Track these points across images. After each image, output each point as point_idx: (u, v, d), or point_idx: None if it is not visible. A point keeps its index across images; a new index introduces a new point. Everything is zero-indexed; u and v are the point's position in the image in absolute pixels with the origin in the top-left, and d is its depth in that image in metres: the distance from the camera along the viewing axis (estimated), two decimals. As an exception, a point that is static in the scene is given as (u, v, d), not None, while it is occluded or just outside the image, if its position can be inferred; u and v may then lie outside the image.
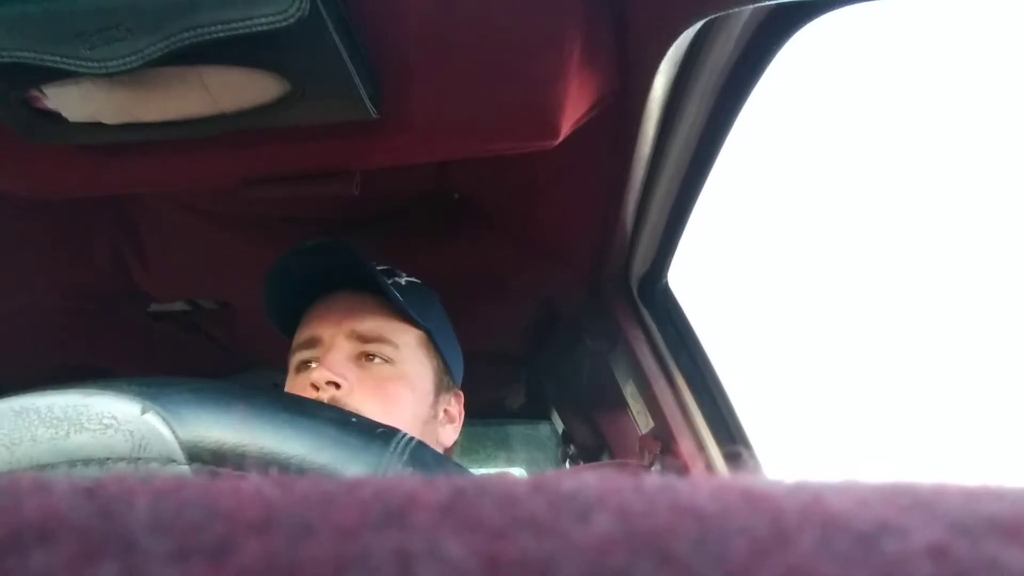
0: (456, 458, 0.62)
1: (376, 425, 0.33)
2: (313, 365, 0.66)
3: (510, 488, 0.11)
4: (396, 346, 0.68)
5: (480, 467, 2.05)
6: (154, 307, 1.14)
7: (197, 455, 0.29)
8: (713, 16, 0.47)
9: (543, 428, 1.98)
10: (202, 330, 1.25)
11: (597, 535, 0.10)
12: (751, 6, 0.46)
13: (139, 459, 0.29)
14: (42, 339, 1.14)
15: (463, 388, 0.78)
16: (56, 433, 0.29)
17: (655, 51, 0.51)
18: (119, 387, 0.30)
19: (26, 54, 0.42)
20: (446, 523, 0.10)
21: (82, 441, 0.29)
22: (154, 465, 0.29)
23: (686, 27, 0.47)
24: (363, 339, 0.67)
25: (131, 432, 0.29)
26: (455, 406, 0.75)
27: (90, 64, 0.42)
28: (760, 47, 0.55)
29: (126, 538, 0.09)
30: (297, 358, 0.68)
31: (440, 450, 0.69)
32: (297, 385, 0.66)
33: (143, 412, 0.29)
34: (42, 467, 0.28)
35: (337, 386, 0.63)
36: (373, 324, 0.68)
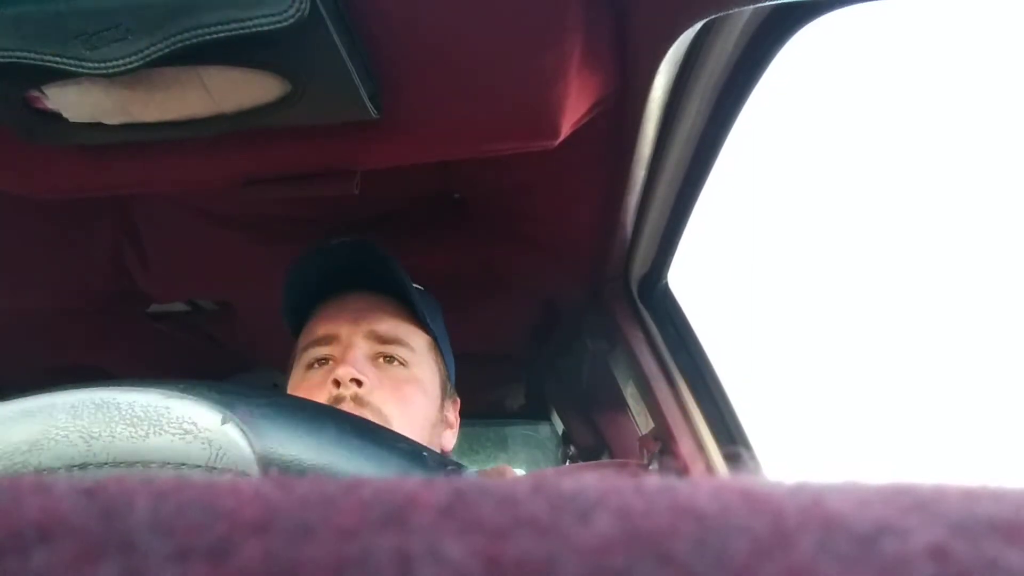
0: (455, 458, 0.62)
1: (447, 462, 0.33)
2: (329, 362, 0.66)
3: (510, 488, 0.11)
4: (412, 349, 0.69)
5: (480, 468, 2.05)
6: (154, 307, 1.14)
7: (271, 470, 0.29)
8: (713, 16, 0.47)
9: (543, 428, 1.98)
10: (202, 330, 1.25)
11: (597, 535, 0.10)
12: (751, 6, 0.46)
13: (214, 468, 0.28)
14: (42, 339, 1.14)
15: (463, 387, 0.79)
16: (135, 432, 0.28)
17: (655, 51, 0.51)
18: (200, 392, 0.30)
19: (26, 54, 0.42)
20: (446, 524, 0.10)
21: (160, 444, 0.28)
22: (228, 476, 0.29)
23: (686, 27, 0.47)
24: (381, 340, 0.68)
25: (209, 441, 0.29)
26: (453, 412, 0.76)
27: (90, 64, 0.42)
28: (760, 47, 0.55)
29: (126, 538, 0.09)
30: (311, 354, 0.68)
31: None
32: (313, 381, 0.66)
33: (223, 422, 0.29)
34: (117, 464, 0.28)
35: (359, 384, 0.63)
36: (391, 325, 0.68)
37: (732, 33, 0.53)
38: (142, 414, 0.29)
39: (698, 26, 0.48)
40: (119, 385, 0.30)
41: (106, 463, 0.28)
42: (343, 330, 0.67)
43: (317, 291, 0.72)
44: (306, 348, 0.68)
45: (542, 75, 0.51)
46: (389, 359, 0.67)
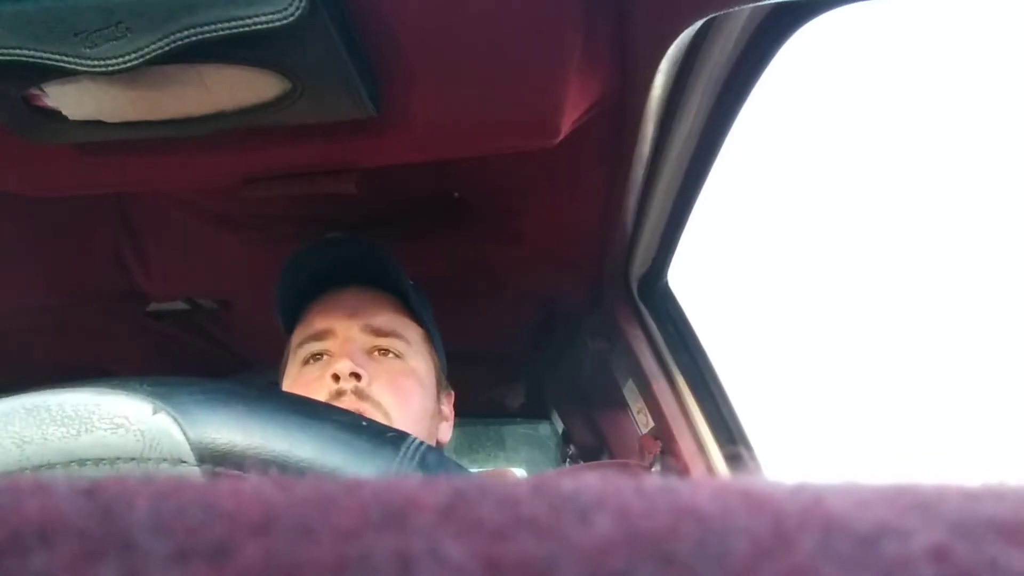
0: (455, 458, 0.62)
1: (387, 429, 0.33)
2: (325, 357, 0.67)
3: (510, 489, 0.11)
4: (407, 342, 0.69)
5: (480, 467, 2.05)
6: (154, 307, 1.14)
7: (207, 456, 0.29)
8: (713, 16, 0.47)
9: (543, 428, 1.98)
10: (202, 330, 1.25)
11: (598, 536, 0.09)
12: (751, 6, 0.46)
13: (149, 459, 0.29)
14: (42, 339, 1.14)
15: (464, 387, 0.79)
16: (67, 432, 0.29)
17: (655, 51, 0.50)
18: (131, 386, 0.30)
19: (26, 52, 0.42)
20: (446, 524, 0.10)
21: (92, 440, 0.29)
22: (164, 466, 0.29)
23: (686, 27, 0.47)
24: (378, 333, 0.68)
25: (142, 432, 0.29)
26: (448, 405, 0.76)
27: (90, 63, 0.42)
28: (760, 47, 0.55)
29: (126, 539, 0.09)
30: (306, 350, 0.68)
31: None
32: (310, 376, 0.66)
33: (154, 412, 0.29)
34: (52, 466, 0.28)
35: (358, 377, 0.63)
36: (387, 319, 0.69)
37: (732, 33, 0.53)
38: (72, 413, 0.29)
39: (698, 26, 0.47)
40: (51, 389, 0.30)
41: (41, 466, 0.28)
42: (339, 324, 0.67)
43: (310, 288, 0.72)
44: (301, 344, 0.68)
45: (542, 75, 0.51)
46: (385, 352, 0.68)
